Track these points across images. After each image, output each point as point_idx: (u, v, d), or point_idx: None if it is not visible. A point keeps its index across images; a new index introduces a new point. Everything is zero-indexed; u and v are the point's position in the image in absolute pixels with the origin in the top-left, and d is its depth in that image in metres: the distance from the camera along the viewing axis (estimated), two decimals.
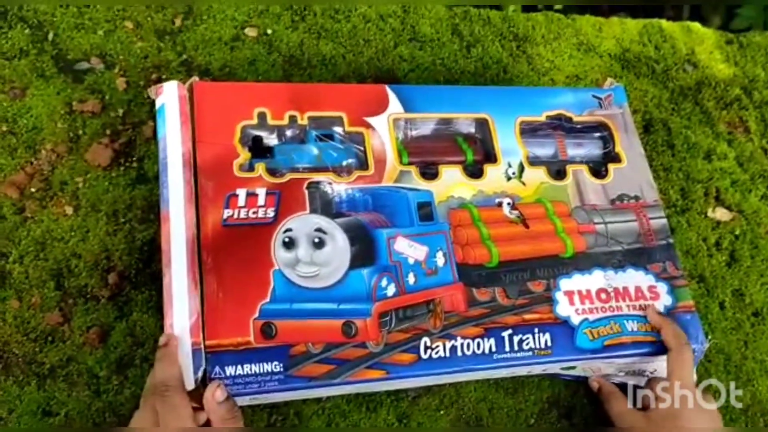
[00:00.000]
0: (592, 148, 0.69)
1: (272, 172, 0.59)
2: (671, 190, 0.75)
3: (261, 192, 0.58)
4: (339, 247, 0.56)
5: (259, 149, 0.60)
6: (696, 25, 0.89)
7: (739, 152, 0.79)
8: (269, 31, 0.75)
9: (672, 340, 0.58)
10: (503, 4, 1.99)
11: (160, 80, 0.69)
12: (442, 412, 0.62)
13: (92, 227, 0.61)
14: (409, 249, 0.59)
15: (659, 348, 0.59)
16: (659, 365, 0.60)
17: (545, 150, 0.68)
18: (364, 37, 0.77)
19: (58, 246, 0.60)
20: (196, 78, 0.62)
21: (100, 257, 0.61)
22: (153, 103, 0.60)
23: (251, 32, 0.75)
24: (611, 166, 0.67)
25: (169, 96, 0.59)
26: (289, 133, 0.62)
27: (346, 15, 0.78)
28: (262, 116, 0.61)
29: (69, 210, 0.62)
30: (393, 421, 0.60)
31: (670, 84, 0.82)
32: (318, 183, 0.59)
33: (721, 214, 0.74)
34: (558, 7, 1.99)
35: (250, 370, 0.51)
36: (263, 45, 0.74)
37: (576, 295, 0.60)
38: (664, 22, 0.88)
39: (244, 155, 0.59)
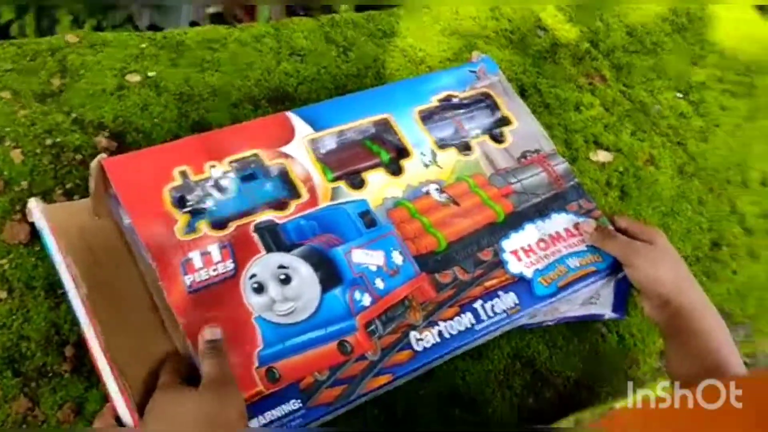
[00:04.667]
0: (483, 118, 0.78)
1: (215, 225, 0.61)
2: (557, 143, 0.86)
3: (213, 248, 0.60)
4: (305, 277, 0.60)
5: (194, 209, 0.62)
6: None
7: (602, 99, 0.92)
8: (151, 74, 0.76)
9: (613, 252, 0.69)
10: (334, 4, 2.09)
11: (55, 144, 0.68)
12: (421, 391, 0.67)
13: (32, 306, 0.61)
14: (366, 258, 0.64)
15: (604, 272, 0.70)
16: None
17: (446, 131, 0.75)
18: (245, 61, 0.81)
19: (2, 333, 0.59)
20: (101, 156, 0.62)
21: (50, 333, 0.61)
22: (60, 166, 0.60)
23: (134, 78, 0.75)
24: (505, 129, 0.77)
25: (37, 218, 0.60)
26: (215, 183, 0.64)
27: (222, 43, 0.81)
28: (183, 174, 0.62)
29: (3, 294, 0.60)
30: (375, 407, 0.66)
31: (529, 50, 0.94)
32: (263, 223, 0.62)
33: (603, 156, 0.87)
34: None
35: (273, 415, 0.54)
36: (150, 88, 0.75)
37: (520, 252, 0.69)
38: None
39: (182, 218, 0.60)
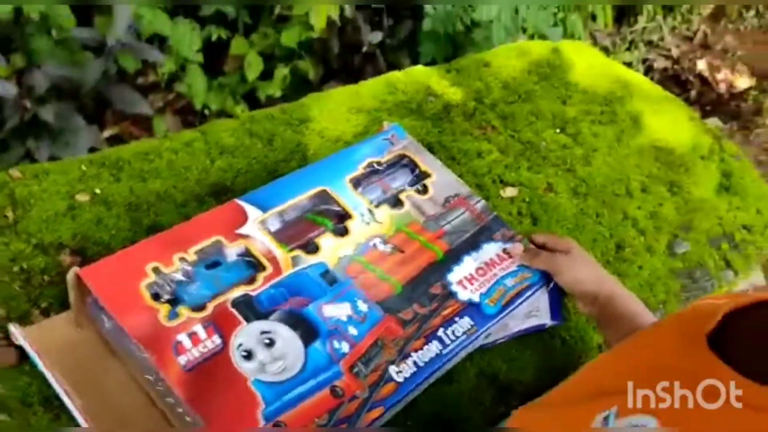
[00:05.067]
0: (405, 176, 0.89)
1: (195, 308, 0.67)
2: (470, 187, 0.98)
3: (198, 328, 0.66)
4: (287, 337, 0.68)
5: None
6: (419, 68, 1.16)
7: (497, 144, 1.06)
8: (98, 191, 0.82)
9: (540, 267, 0.80)
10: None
11: (22, 270, 0.72)
12: (409, 422, 0.74)
13: (33, 422, 0.64)
14: (336, 311, 0.72)
15: (537, 285, 0.81)
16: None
17: (376, 192, 0.85)
18: (182, 165, 0.88)
19: None
20: (75, 268, 0.67)
21: None
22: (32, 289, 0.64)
23: (83, 197, 0.81)
24: (426, 182, 0.88)
25: (21, 342, 0.65)
26: (185, 272, 0.70)
27: (157, 153, 0.88)
28: (156, 270, 0.68)
29: (3, 417, 0.63)
30: None
31: (426, 114, 1.07)
32: (239, 298, 0.69)
33: (509, 191, 1.00)
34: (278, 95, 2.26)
35: None
36: (99, 204, 0.81)
37: (464, 281, 0.79)
38: (398, 73, 1.12)
39: (163, 308, 0.66)
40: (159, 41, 2.17)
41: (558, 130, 1.12)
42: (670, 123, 1.22)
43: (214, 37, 2.29)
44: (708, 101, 3.61)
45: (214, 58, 2.35)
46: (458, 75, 1.17)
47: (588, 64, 1.27)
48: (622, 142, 1.14)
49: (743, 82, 3.69)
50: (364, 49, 2.33)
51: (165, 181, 0.87)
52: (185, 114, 2.36)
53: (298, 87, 2.29)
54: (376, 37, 2.32)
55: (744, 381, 0.46)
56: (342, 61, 2.40)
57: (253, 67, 2.31)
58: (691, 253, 1.03)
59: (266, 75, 2.34)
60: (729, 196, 1.12)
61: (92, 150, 1.83)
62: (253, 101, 2.32)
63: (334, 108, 1.03)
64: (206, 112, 2.33)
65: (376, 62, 2.31)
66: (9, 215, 0.77)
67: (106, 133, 2.13)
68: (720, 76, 3.81)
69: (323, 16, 2.25)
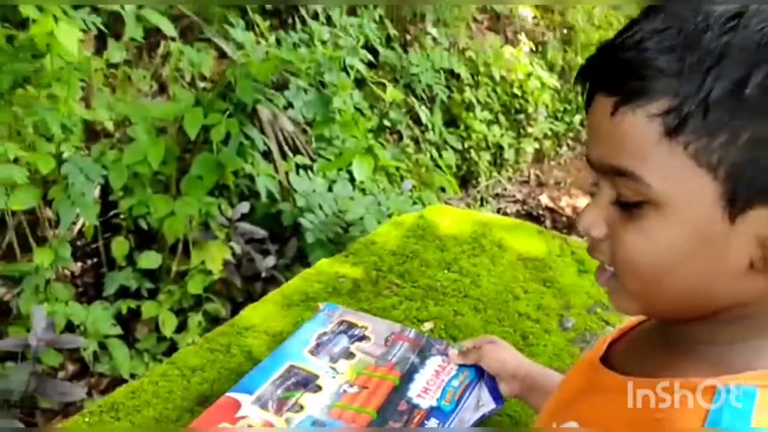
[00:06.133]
0: (349, 335, 1.12)
1: None
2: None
3: None
4: None
5: None
6: (324, 261, 1.44)
7: (403, 296, 1.34)
8: None
9: (473, 361, 1.04)
10: None
11: None
12: None
13: None
14: None
15: (476, 378, 1.04)
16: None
17: (332, 352, 1.07)
18: (166, 391, 1.06)
19: None
20: None
21: None
22: None
23: None
24: (366, 333, 1.11)
25: None
26: None
27: (142, 389, 1.06)
28: None
29: None
30: None
31: (343, 292, 1.34)
32: None
33: (427, 325, 1.27)
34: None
35: None
36: None
37: (422, 393, 1.00)
38: (309, 270, 1.39)
39: None
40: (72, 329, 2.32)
41: (446, 270, 1.41)
42: (526, 239, 1.56)
43: (124, 310, 2.48)
44: (562, 225, 4.17)
45: (126, 328, 2.51)
46: (355, 257, 1.46)
47: (450, 218, 1.62)
48: (496, 263, 1.45)
49: (583, 201, 4.30)
50: (263, 275, 2.61)
51: (155, 407, 1.04)
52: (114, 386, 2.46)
53: (215, 325, 2.49)
54: (270, 261, 2.62)
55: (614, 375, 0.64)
56: (245, 291, 2.65)
57: (167, 323, 2.50)
58: (578, 323, 1.31)
59: (181, 327, 2.53)
60: (588, 276, 1.44)
61: None
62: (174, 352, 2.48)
63: (271, 310, 1.27)
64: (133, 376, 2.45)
65: (277, 281, 2.58)
66: None
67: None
68: (562, 203, 4.44)
69: (218, 260, 2.53)
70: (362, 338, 1.11)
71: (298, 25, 2.64)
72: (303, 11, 2.74)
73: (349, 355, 1.07)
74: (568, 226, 4.04)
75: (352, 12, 3.39)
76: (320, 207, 2.61)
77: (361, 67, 2.62)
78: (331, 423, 0.94)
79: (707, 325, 0.59)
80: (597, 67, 0.56)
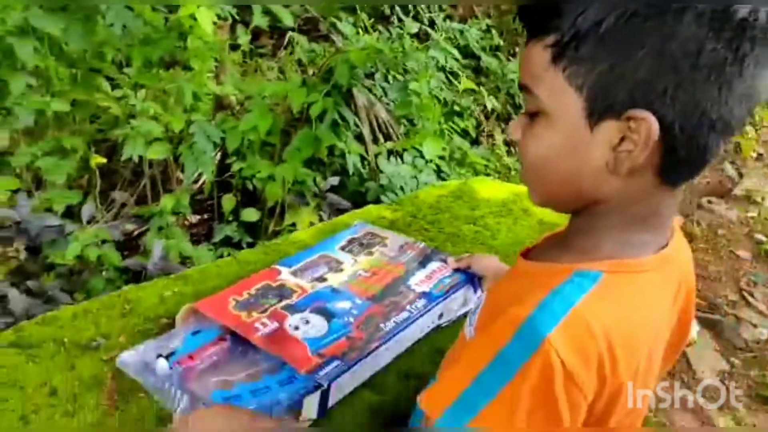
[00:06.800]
0: (373, 242, 1.44)
1: (261, 312, 1.19)
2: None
3: (265, 320, 1.17)
4: (315, 318, 1.19)
5: None
6: (371, 206, 1.77)
7: (427, 237, 1.64)
8: None
9: (465, 264, 1.33)
10: None
11: None
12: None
13: None
14: (343, 304, 1.23)
15: (465, 282, 1.33)
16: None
17: (355, 251, 1.40)
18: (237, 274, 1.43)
19: None
20: (190, 304, 1.19)
21: None
22: None
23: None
24: (386, 241, 1.44)
25: None
26: (252, 297, 1.22)
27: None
28: (234, 299, 1.21)
29: None
30: None
31: None
32: (284, 305, 1.21)
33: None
34: None
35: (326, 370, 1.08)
36: None
37: (420, 283, 1.32)
38: (357, 211, 1.72)
39: (243, 314, 1.18)
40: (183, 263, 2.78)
41: (471, 224, 1.70)
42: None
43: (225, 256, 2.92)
44: None
45: None
46: (398, 206, 1.79)
47: (490, 187, 1.91)
48: (518, 224, 1.73)
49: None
50: None
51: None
52: None
53: None
54: None
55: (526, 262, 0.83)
56: None
57: None
58: None
59: None
60: None
61: None
62: None
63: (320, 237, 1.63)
64: None
65: None
66: None
67: None
68: None
69: (306, 224, 2.92)
70: (382, 244, 1.44)
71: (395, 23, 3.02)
72: (402, 14, 3.12)
73: (369, 253, 1.40)
74: None
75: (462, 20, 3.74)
76: (401, 188, 2.94)
77: (454, 64, 2.94)
78: (345, 292, 1.27)
79: (582, 217, 0.76)
80: (522, 12, 0.73)
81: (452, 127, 3.08)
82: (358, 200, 3.11)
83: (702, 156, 0.68)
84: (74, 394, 1.05)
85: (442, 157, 2.85)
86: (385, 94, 2.90)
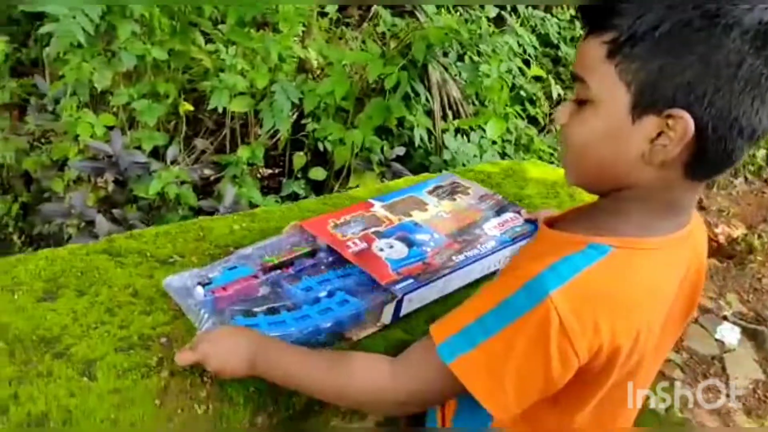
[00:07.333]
0: (455, 189, 1.59)
1: (354, 234, 1.35)
2: None
3: (356, 241, 1.33)
4: (398, 244, 1.34)
5: None
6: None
7: None
8: None
9: (536, 215, 1.47)
10: None
11: None
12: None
13: None
14: (422, 236, 1.37)
15: (535, 229, 1.46)
16: None
17: (442, 196, 1.55)
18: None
19: None
20: (296, 221, 1.36)
21: None
22: None
23: None
24: (469, 190, 1.59)
25: None
26: (347, 222, 1.39)
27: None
28: (333, 223, 1.37)
29: None
30: None
31: None
32: (374, 231, 1.37)
33: None
34: None
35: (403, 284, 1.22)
36: None
37: (492, 229, 1.43)
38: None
39: (338, 234, 1.35)
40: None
41: (517, 202, 1.81)
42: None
43: None
44: (710, 251, 4.15)
45: None
46: None
47: (539, 169, 2.03)
48: (562, 206, 1.80)
49: (738, 231, 4.22)
50: None
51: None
52: None
53: None
54: None
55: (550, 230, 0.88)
56: None
57: None
58: None
59: None
60: None
61: None
62: None
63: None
64: None
65: None
66: None
67: None
68: (718, 230, 4.32)
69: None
70: (464, 193, 1.59)
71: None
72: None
73: (452, 199, 1.55)
74: (716, 251, 4.05)
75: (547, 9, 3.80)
76: (463, 165, 3.08)
77: (531, 51, 3.06)
78: (425, 227, 1.42)
79: (609, 199, 0.82)
80: (583, 8, 0.79)
81: (519, 113, 3.20)
82: (421, 172, 3.25)
83: (728, 158, 0.74)
84: (151, 297, 1.23)
85: (508, 141, 2.98)
86: (459, 74, 3.04)
